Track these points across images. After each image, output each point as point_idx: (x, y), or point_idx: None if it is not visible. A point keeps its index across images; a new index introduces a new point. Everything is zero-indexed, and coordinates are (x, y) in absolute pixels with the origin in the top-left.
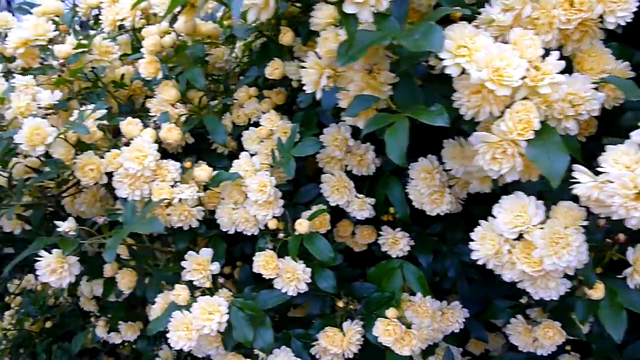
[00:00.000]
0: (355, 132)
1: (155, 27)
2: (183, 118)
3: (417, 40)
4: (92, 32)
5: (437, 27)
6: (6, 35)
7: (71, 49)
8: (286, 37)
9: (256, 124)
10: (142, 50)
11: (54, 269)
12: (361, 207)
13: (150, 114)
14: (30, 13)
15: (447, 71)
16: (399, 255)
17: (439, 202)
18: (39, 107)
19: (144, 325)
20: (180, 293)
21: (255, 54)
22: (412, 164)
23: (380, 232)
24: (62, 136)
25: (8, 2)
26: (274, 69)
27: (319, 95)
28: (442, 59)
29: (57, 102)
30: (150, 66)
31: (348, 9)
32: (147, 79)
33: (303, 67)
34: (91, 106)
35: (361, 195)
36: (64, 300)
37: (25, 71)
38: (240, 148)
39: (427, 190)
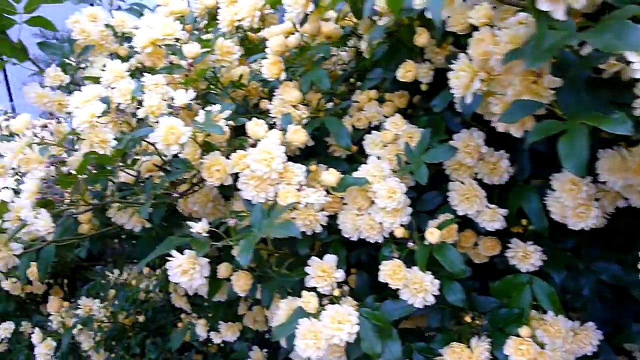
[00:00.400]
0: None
1: (278, 28)
2: (304, 120)
3: (609, 39)
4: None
5: (633, 25)
6: (122, 35)
7: (199, 49)
8: (422, 38)
9: (376, 128)
10: (266, 50)
11: (185, 269)
12: (492, 218)
13: (270, 114)
14: (142, 14)
15: (636, 75)
16: (529, 270)
17: (584, 216)
18: (171, 106)
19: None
20: (309, 300)
21: (379, 55)
22: (555, 175)
23: (509, 245)
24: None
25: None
26: (406, 71)
27: (469, 99)
28: (629, 62)
29: (190, 102)
30: (274, 67)
31: (542, 5)
32: (270, 79)
33: (451, 70)
34: (215, 106)
35: (493, 206)
36: (154, 295)
37: (150, 70)
38: (360, 152)
39: (572, 203)
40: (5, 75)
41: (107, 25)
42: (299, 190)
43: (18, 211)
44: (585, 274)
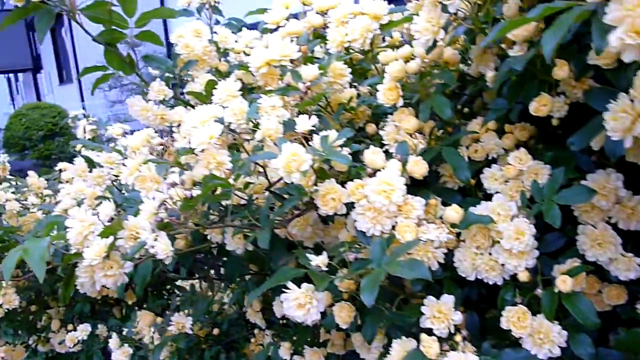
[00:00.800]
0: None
1: (394, 52)
2: (420, 149)
3: None
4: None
5: None
6: (224, 51)
7: (317, 71)
8: (562, 71)
9: (494, 160)
10: (385, 75)
11: (302, 303)
12: (628, 267)
13: (383, 141)
14: (240, 29)
15: None
16: None
17: None
18: (293, 132)
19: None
20: (431, 345)
21: (505, 85)
22: None
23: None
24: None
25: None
26: (541, 105)
27: (628, 144)
28: None
29: (313, 127)
30: (391, 92)
31: None
32: (386, 105)
33: (607, 110)
34: (331, 132)
35: (629, 254)
36: (227, 309)
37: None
38: (476, 185)
39: None
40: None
41: (210, 41)
42: (418, 224)
43: (133, 230)
44: None
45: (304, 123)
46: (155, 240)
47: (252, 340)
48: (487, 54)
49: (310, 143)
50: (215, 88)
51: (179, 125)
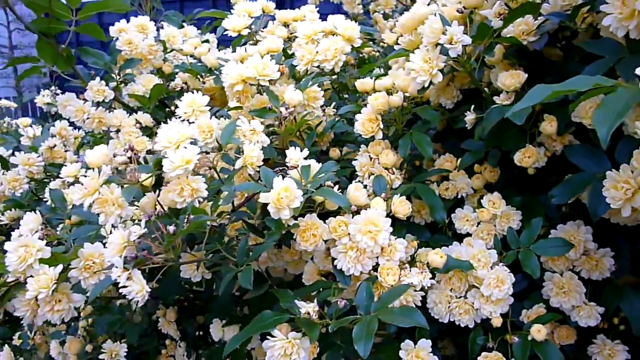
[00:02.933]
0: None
1: (376, 82)
2: (395, 185)
3: None
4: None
5: None
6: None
7: (301, 96)
8: (550, 127)
9: (462, 200)
10: (366, 105)
11: (288, 353)
12: (589, 314)
13: (357, 173)
14: (182, 26)
15: None
16: None
17: None
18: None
19: None
20: None
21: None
22: None
23: (593, 341)
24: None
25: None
26: (525, 156)
27: (626, 213)
28: None
29: (304, 159)
30: (371, 124)
31: None
32: (364, 136)
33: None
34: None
35: (591, 303)
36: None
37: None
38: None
39: None
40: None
41: (156, 39)
42: (400, 267)
43: (89, 259)
44: None
45: (295, 154)
46: (129, 279)
47: (163, 352)
48: (449, 87)
49: (288, 173)
50: (162, 94)
51: (117, 131)
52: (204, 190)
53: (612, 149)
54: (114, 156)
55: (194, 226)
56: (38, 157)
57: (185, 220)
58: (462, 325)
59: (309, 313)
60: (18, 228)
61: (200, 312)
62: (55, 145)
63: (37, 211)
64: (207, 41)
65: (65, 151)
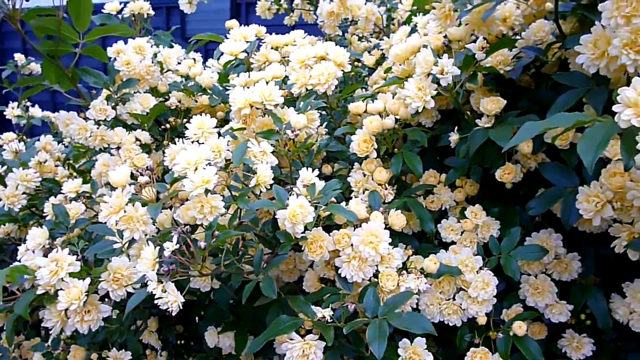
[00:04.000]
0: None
1: (363, 104)
2: (388, 200)
3: None
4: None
5: None
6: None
7: (306, 120)
8: (527, 147)
9: (445, 212)
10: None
11: (306, 354)
12: (560, 312)
13: (352, 188)
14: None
15: None
16: (580, 359)
17: None
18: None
19: None
20: None
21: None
22: (629, 283)
23: (563, 335)
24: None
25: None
26: (505, 173)
27: (597, 223)
28: None
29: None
30: (366, 145)
31: None
32: (360, 156)
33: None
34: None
35: (562, 301)
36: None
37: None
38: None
39: None
40: None
41: (153, 60)
42: (398, 273)
43: (117, 272)
44: None
45: (307, 174)
46: (163, 291)
47: None
48: (430, 108)
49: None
50: (161, 113)
51: (118, 148)
52: (222, 208)
53: (579, 166)
54: (134, 177)
55: (222, 242)
56: (35, 172)
57: (212, 235)
58: (451, 325)
59: (324, 317)
60: (11, 243)
61: (179, 321)
62: (46, 161)
63: (43, 226)
64: (194, 59)
65: (56, 166)
